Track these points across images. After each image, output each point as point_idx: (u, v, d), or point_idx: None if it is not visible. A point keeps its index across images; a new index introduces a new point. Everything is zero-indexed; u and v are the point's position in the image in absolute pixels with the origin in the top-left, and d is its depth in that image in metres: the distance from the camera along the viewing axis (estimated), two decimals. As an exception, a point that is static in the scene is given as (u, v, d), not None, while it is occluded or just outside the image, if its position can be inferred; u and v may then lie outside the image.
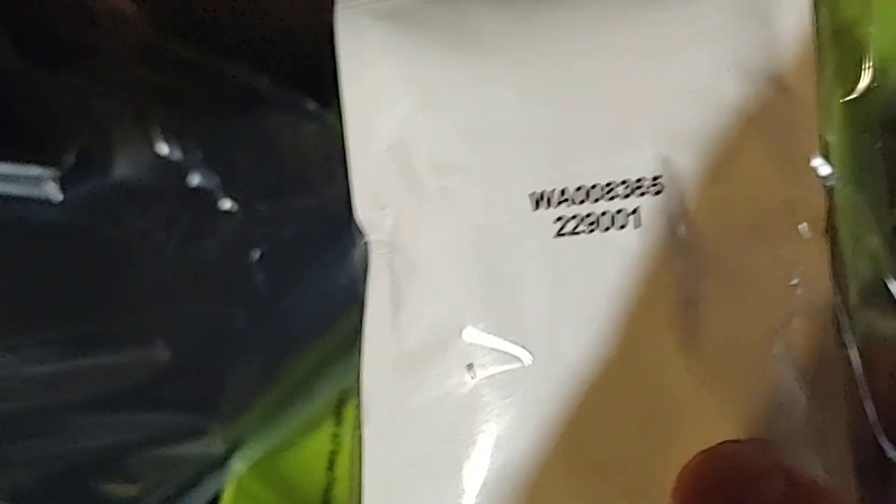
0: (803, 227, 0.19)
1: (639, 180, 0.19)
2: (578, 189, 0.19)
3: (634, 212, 0.19)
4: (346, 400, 0.42)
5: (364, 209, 0.22)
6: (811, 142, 0.19)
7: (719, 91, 0.19)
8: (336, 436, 0.42)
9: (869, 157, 0.20)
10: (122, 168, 0.41)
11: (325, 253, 0.41)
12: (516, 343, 0.20)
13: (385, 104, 0.21)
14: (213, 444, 0.39)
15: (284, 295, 0.40)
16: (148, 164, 0.41)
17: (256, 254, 0.40)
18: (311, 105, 0.44)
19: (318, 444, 0.42)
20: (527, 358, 0.19)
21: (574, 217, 0.19)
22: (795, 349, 0.18)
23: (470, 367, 0.20)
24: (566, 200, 0.19)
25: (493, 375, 0.20)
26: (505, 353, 0.20)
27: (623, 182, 0.19)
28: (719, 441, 0.18)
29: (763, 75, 0.19)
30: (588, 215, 0.19)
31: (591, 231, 0.19)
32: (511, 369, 0.20)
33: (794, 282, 0.19)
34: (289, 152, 0.42)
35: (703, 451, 0.18)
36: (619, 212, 0.19)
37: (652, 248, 0.19)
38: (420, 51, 0.21)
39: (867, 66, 0.20)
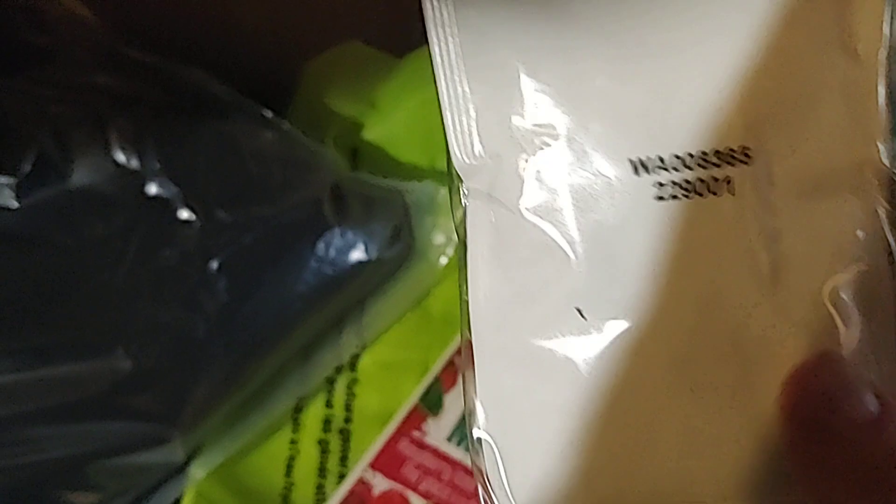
0: (868, 186, 0.21)
1: (730, 150, 0.21)
2: (676, 157, 0.21)
3: (728, 181, 0.21)
4: (304, 406, 0.42)
5: (461, 157, 0.22)
6: (876, 108, 0.21)
7: (801, 63, 0.21)
8: (294, 442, 0.41)
9: None
10: (80, 176, 0.40)
11: (284, 260, 0.41)
12: (619, 291, 0.21)
13: (492, 64, 0.22)
14: (173, 452, 0.38)
15: (244, 302, 0.39)
16: (106, 172, 0.40)
17: (216, 262, 0.39)
18: (269, 113, 0.43)
19: (276, 449, 0.41)
20: (628, 303, 0.21)
21: (673, 183, 0.21)
22: (857, 285, 0.21)
23: (579, 310, 0.21)
24: (664, 168, 0.21)
25: (600, 319, 0.21)
26: (607, 300, 0.21)
27: (716, 152, 0.21)
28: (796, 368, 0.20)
29: (839, 47, 0.21)
30: (686, 181, 0.21)
31: (687, 196, 0.21)
32: (613, 317, 0.21)
33: (858, 232, 0.21)
34: (247, 160, 0.42)
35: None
36: (714, 180, 0.21)
37: (743, 211, 0.21)
38: (527, 22, 0.21)
39: None
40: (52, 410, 0.37)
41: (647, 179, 0.21)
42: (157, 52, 0.43)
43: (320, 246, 0.41)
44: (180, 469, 0.40)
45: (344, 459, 0.41)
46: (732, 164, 0.21)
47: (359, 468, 0.40)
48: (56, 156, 0.40)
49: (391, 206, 0.43)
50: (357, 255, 0.42)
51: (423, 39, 0.22)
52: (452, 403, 0.41)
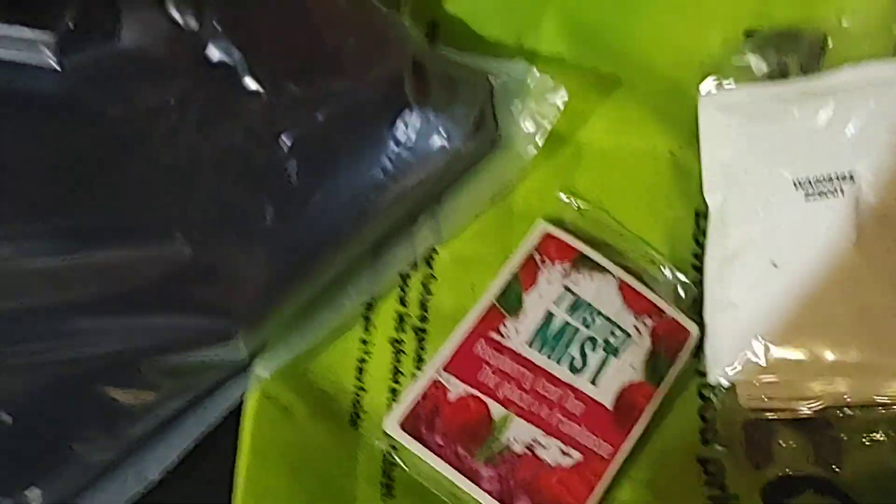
0: None
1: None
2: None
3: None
4: (376, 304, 0.36)
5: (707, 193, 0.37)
6: None
7: None
8: (365, 342, 0.35)
9: None
10: (130, 35, 0.33)
11: (361, 141, 0.34)
12: None
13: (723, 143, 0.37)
14: (235, 350, 0.32)
15: (317, 187, 0.33)
16: (159, 32, 0.33)
17: (286, 141, 0.33)
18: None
19: (347, 349, 0.35)
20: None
21: None
22: None
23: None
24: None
25: None
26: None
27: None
28: None
29: None
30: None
31: None
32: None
33: None
34: (319, 27, 0.35)
35: None
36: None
37: None
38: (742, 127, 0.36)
39: None
40: (101, 300, 0.31)
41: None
42: None
43: (399, 128, 0.34)
44: (242, 369, 0.34)
45: (419, 361, 0.35)
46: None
47: (431, 369, 0.34)
48: (102, 10, 0.33)
49: (475, 87, 0.37)
50: (438, 141, 0.35)
51: None
52: (533, 304, 0.35)
